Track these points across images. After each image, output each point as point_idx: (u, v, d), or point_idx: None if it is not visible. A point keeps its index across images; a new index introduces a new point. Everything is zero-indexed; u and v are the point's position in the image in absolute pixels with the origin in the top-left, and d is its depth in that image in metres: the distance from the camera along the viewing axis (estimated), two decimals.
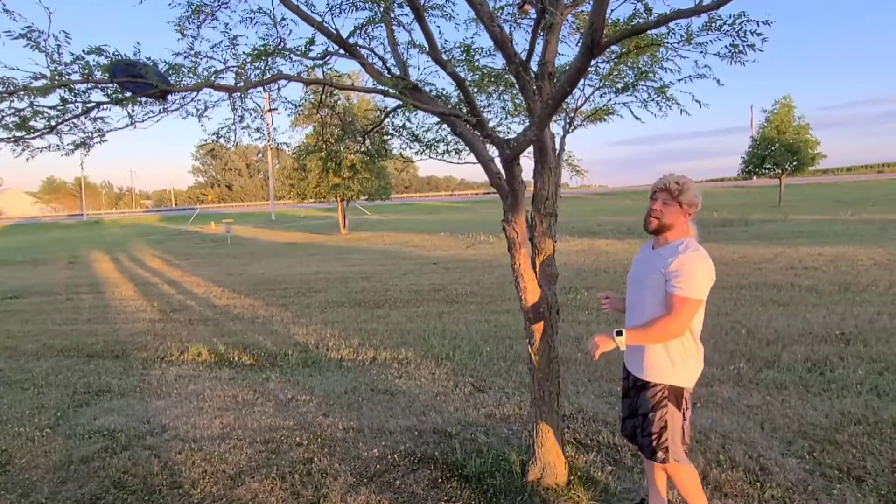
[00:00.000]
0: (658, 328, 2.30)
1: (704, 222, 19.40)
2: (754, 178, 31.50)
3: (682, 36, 2.76)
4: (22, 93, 1.87)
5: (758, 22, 2.18)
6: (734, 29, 2.26)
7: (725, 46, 2.40)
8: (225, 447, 3.74)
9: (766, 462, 3.17)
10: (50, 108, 2.07)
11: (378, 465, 3.39)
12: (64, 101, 2.07)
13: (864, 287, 7.52)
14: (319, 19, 2.55)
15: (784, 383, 4.31)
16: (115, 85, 2.06)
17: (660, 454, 2.44)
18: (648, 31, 2.47)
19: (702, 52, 2.68)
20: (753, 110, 67.06)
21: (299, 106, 3.81)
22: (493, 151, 2.99)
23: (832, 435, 3.43)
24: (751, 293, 7.62)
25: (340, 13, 2.68)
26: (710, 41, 2.54)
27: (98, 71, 1.98)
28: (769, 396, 4.09)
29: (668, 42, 2.95)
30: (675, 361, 2.38)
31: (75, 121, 2.32)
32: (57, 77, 1.90)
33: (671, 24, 2.62)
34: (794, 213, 21.50)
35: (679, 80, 3.30)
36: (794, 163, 26.70)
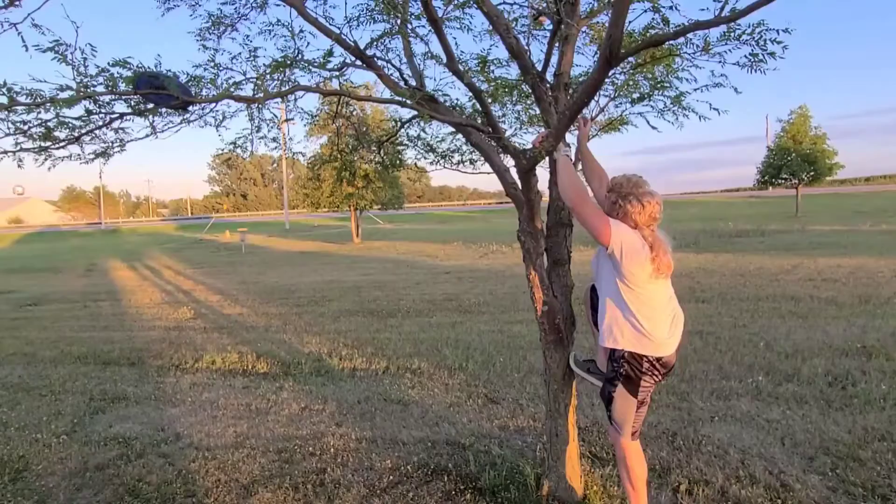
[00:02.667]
0: (575, 180, 2.46)
1: (720, 233, 19.20)
2: (770, 188, 31.16)
3: (699, 46, 2.74)
4: (48, 104, 1.91)
5: (777, 30, 2.15)
6: (754, 38, 2.24)
7: (745, 55, 2.38)
8: (238, 456, 3.74)
9: (788, 478, 3.10)
10: (74, 119, 2.11)
11: (391, 477, 3.37)
12: (88, 112, 2.10)
13: (886, 299, 7.37)
14: (337, 32, 2.58)
15: (804, 397, 4.23)
16: (139, 96, 2.10)
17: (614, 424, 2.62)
18: (666, 42, 2.46)
19: (720, 61, 2.66)
20: (769, 120, 66.54)
21: (315, 116, 3.85)
22: (508, 161, 3.00)
23: (855, 451, 3.35)
24: (769, 305, 7.50)
25: (358, 25, 2.71)
26: (729, 50, 2.52)
27: (122, 83, 2.02)
28: (789, 411, 4.01)
29: (684, 52, 2.94)
30: (631, 332, 2.46)
31: (97, 131, 2.36)
32: (82, 89, 1.94)
33: (688, 35, 2.60)
34: (812, 224, 21.19)
35: (696, 90, 3.28)
36: (811, 173, 26.38)
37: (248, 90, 2.50)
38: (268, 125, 2.97)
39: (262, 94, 2.39)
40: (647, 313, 2.43)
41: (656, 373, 2.51)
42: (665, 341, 2.46)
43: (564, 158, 2.54)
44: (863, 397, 4.15)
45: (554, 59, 2.90)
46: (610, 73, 3.19)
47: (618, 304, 2.48)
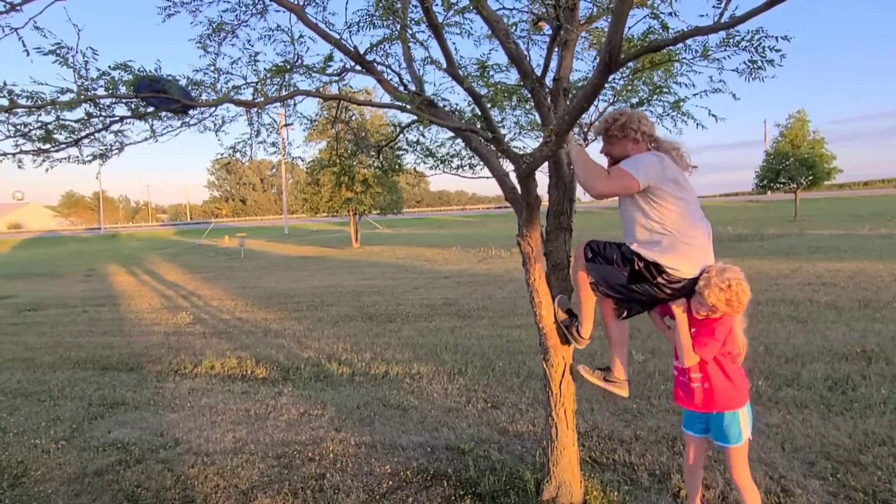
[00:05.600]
0: (588, 168, 2.44)
1: (719, 237, 19.16)
2: (769, 192, 31.22)
3: (697, 51, 2.75)
4: (49, 107, 1.91)
5: (776, 37, 2.16)
6: (752, 45, 2.25)
7: (744, 62, 2.39)
8: (237, 461, 3.73)
9: (788, 483, 3.09)
10: (75, 121, 2.11)
11: (390, 482, 3.36)
12: (89, 115, 2.11)
13: (886, 304, 7.37)
14: (337, 37, 2.59)
15: (804, 402, 4.22)
16: (139, 99, 2.10)
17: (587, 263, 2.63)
18: (665, 48, 2.47)
19: (718, 67, 2.67)
20: (767, 124, 66.77)
21: (314, 121, 3.86)
22: (507, 166, 3.00)
23: (856, 456, 3.34)
24: (768, 309, 7.50)
25: (358, 31, 2.72)
26: (728, 56, 2.53)
27: (123, 86, 2.02)
28: (789, 415, 4.01)
29: (683, 57, 2.95)
30: (662, 244, 2.44)
31: (97, 134, 2.37)
32: (83, 92, 1.94)
33: (687, 41, 2.61)
34: (811, 228, 21.22)
35: (694, 95, 3.30)
36: (810, 177, 26.45)
37: (247, 94, 2.51)
38: (267, 130, 2.98)
39: (261, 99, 2.40)
40: (685, 225, 2.42)
41: (668, 289, 2.46)
42: (703, 251, 2.45)
43: (577, 147, 2.54)
44: (863, 402, 4.14)
45: (553, 64, 2.91)
46: (609, 79, 3.21)
47: (650, 221, 2.44)
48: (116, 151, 2.57)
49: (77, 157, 2.46)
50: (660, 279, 2.44)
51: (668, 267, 2.42)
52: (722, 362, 2.48)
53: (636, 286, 2.50)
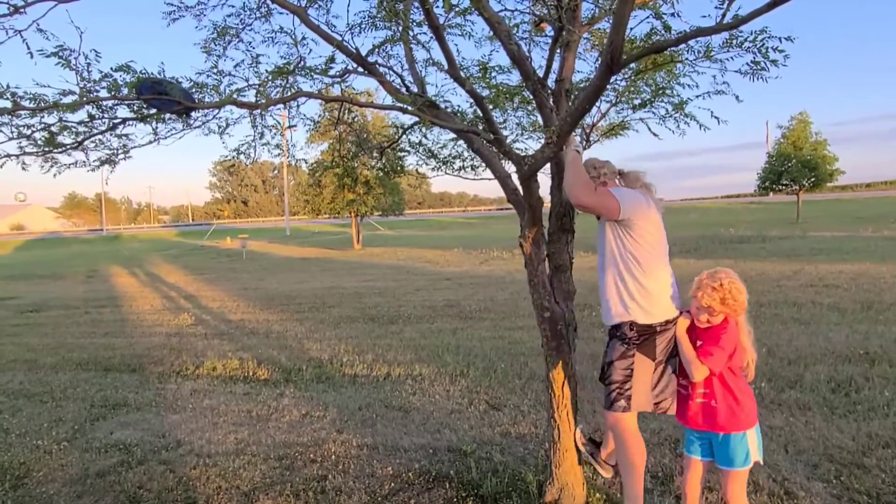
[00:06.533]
0: (577, 176, 2.49)
1: (721, 239, 19.18)
2: (771, 194, 31.18)
3: (700, 52, 2.75)
4: (52, 109, 1.92)
5: (780, 38, 2.16)
6: (755, 45, 2.24)
7: (747, 63, 2.38)
8: (239, 463, 3.73)
9: (792, 486, 3.08)
10: (77, 123, 2.11)
11: (392, 484, 3.35)
12: (91, 117, 2.11)
13: (888, 306, 7.35)
14: (339, 39, 2.59)
15: (807, 404, 4.21)
16: (141, 101, 2.11)
17: (621, 402, 2.48)
18: (667, 49, 2.46)
19: (721, 68, 2.66)
20: (769, 126, 66.68)
21: (317, 123, 3.86)
22: (509, 168, 3.00)
23: (860, 459, 3.33)
24: (770, 311, 7.48)
25: (360, 32, 2.72)
26: (731, 58, 2.52)
27: (125, 88, 2.03)
28: (792, 418, 3.99)
29: (686, 58, 2.94)
30: (635, 301, 2.48)
31: (101, 137, 2.37)
32: (85, 94, 1.95)
33: (690, 41, 2.61)
34: (813, 230, 21.16)
35: (697, 97, 3.29)
36: (812, 179, 26.41)
37: (250, 96, 2.51)
38: (270, 132, 2.98)
39: (264, 101, 2.40)
40: (654, 269, 2.47)
41: (668, 330, 2.50)
42: (669, 301, 2.50)
43: (574, 153, 2.59)
44: (866, 404, 4.13)
45: (555, 66, 2.91)
46: (611, 80, 3.20)
47: (626, 268, 2.49)
48: (122, 156, 2.58)
49: (84, 161, 2.46)
50: (659, 330, 2.49)
51: (654, 323, 2.48)
52: (727, 379, 2.40)
53: (659, 350, 2.52)
